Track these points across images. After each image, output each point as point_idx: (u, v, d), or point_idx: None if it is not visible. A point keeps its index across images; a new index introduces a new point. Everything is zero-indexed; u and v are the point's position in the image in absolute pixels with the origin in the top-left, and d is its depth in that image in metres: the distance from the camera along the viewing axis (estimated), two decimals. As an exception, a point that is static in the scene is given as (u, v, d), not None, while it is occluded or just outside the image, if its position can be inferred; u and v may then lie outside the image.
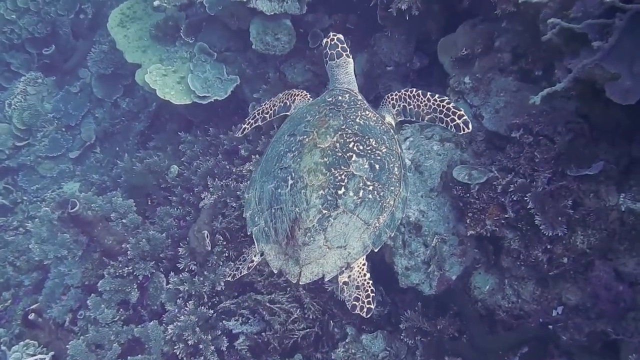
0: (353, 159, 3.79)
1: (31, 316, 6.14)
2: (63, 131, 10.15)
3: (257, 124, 4.92)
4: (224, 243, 6.30)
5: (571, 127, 4.60)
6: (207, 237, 6.14)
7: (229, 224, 6.43)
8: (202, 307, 6.06)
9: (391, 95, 4.40)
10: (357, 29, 6.99)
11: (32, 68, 10.83)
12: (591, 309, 4.52)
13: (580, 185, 4.47)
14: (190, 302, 6.12)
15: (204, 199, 6.74)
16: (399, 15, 5.57)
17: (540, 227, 4.43)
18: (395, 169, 3.95)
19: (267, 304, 5.84)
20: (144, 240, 6.53)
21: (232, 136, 7.24)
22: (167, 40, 8.10)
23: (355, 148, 3.84)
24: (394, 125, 4.39)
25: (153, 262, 6.53)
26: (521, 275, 4.81)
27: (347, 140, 3.87)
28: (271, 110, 4.83)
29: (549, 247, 4.51)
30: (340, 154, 3.80)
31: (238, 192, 6.55)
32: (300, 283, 3.70)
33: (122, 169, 8.15)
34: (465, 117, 4.03)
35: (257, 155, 6.76)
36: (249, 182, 4.35)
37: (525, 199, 4.50)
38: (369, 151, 3.87)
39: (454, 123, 4.05)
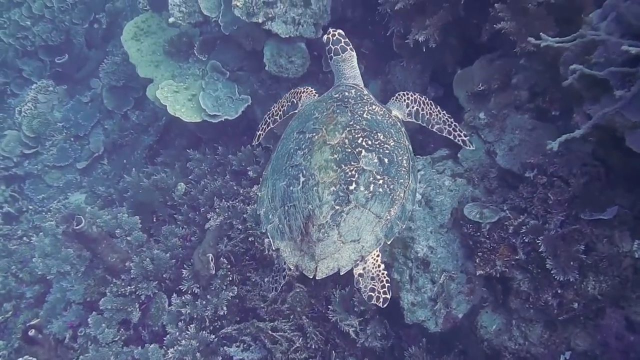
0: (362, 154, 3.87)
1: (31, 332, 6.06)
2: (71, 141, 10.16)
3: (269, 128, 5.02)
4: (228, 267, 6.23)
5: (587, 170, 4.51)
6: (212, 260, 6.07)
7: (234, 247, 6.36)
8: (204, 332, 5.98)
9: (407, 94, 4.58)
10: (371, 54, 6.96)
11: (44, 76, 10.88)
12: (600, 357, 4.42)
13: (593, 230, 4.38)
14: (191, 325, 6.04)
15: (209, 219, 6.68)
16: (415, 47, 5.52)
17: (552, 272, 4.34)
18: (404, 161, 4.04)
19: (269, 332, 5.75)
20: (147, 259, 6.46)
21: (240, 156, 7.19)
22: (180, 57, 8.08)
23: (364, 143, 3.92)
24: (400, 118, 4.51)
25: (156, 282, 6.45)
26: (529, 317, 4.71)
27: (356, 135, 3.94)
28: (280, 111, 4.92)
29: (559, 291, 4.41)
30: (349, 150, 3.88)
31: (244, 215, 6.48)
32: (317, 278, 3.75)
33: (129, 183, 8.10)
34: (469, 138, 4.57)
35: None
36: (260, 180, 4.41)
37: (537, 241, 4.41)
38: (378, 145, 3.95)
39: (461, 138, 4.55)
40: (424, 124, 4.52)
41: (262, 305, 6.00)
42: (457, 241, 5.01)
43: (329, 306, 5.79)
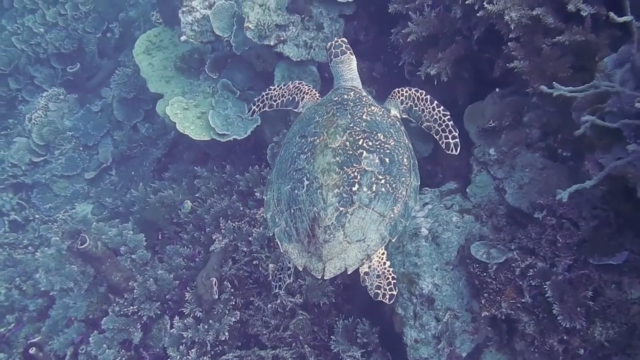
0: (364, 155, 3.92)
1: (32, 350, 6.06)
2: (80, 150, 10.16)
3: (264, 109, 5.01)
4: (232, 290, 6.19)
5: (597, 213, 4.45)
6: (215, 284, 6.04)
7: (239, 270, 6.33)
8: (205, 357, 5.94)
9: (401, 90, 4.57)
10: (383, 79, 6.92)
11: (55, 83, 10.92)
12: (605, 405, 4.35)
13: (602, 275, 4.32)
14: (192, 350, 6.00)
15: (215, 240, 6.64)
16: (427, 79, 5.48)
17: (558, 318, 4.28)
18: (405, 159, 4.09)
19: (271, 360, 5.72)
20: (151, 279, 6.44)
21: (248, 177, 7.15)
22: (191, 73, 8.07)
23: (364, 144, 3.97)
24: (399, 117, 4.54)
25: (159, 302, 6.43)
26: (534, 360, 4.66)
27: (357, 137, 3.99)
28: (279, 100, 4.91)
29: (565, 337, 4.35)
30: (351, 152, 3.93)
31: (250, 238, 6.44)
32: (325, 278, 3.83)
33: (136, 198, 8.08)
34: (457, 140, 4.31)
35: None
36: (265, 184, 4.56)
37: (544, 286, 4.36)
38: (378, 146, 3.99)
39: (446, 140, 4.34)
40: (415, 121, 4.52)
41: (264, 331, 5.96)
42: (463, 279, 4.95)
43: (332, 336, 5.75)
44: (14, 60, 10.99)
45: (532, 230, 4.70)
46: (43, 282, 6.77)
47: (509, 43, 4.70)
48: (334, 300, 5.98)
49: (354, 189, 3.81)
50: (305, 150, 4.06)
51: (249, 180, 7.12)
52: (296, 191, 3.95)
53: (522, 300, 4.53)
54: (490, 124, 5.23)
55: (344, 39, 4.80)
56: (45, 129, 10.09)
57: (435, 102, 4.44)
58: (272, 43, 6.59)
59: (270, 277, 4.47)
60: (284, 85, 4.96)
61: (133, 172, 9.60)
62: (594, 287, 4.32)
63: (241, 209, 6.93)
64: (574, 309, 4.27)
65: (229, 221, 6.76)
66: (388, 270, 4.03)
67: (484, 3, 4.69)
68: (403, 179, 4.02)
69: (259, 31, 6.56)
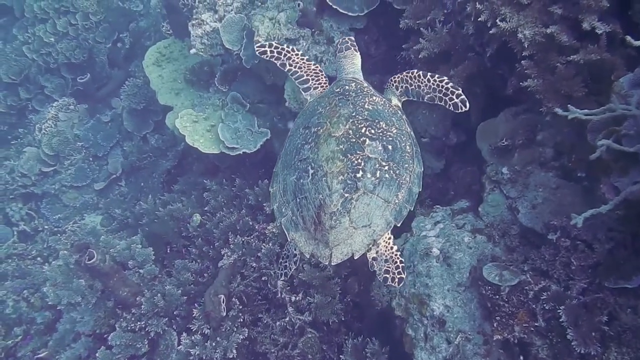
0: (367, 143, 4.05)
1: (39, 365, 6.03)
2: (90, 161, 10.15)
3: (274, 60, 5.26)
4: (240, 307, 6.12)
5: (612, 235, 4.35)
6: (223, 301, 5.98)
7: (247, 286, 6.26)
8: (213, 375, 5.89)
9: (394, 77, 4.77)
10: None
11: (66, 93, 10.91)
12: None
13: (617, 299, 4.22)
14: (200, 367, 5.95)
15: (223, 256, 6.57)
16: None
17: (572, 343, 4.18)
18: (407, 147, 4.24)
19: (279, 380, 5.66)
20: (159, 294, 6.38)
21: (257, 191, 7.09)
22: (201, 86, 8.03)
23: (367, 132, 4.10)
24: (400, 106, 4.72)
25: (166, 318, 6.37)
26: (548, 384, 4.55)
27: (359, 126, 4.13)
28: (295, 68, 5.11)
29: (579, 362, 4.26)
30: (354, 140, 4.05)
31: (259, 253, 6.37)
32: (332, 263, 3.95)
33: (145, 210, 8.04)
34: (463, 96, 4.49)
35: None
36: (271, 176, 4.63)
37: (558, 310, 4.26)
38: (381, 134, 4.13)
39: (452, 102, 4.52)
40: (416, 98, 4.68)
41: (272, 349, 5.90)
42: (475, 301, 4.85)
43: (341, 355, 5.69)
44: (25, 70, 10.99)
45: (546, 251, 4.61)
46: (51, 296, 6.72)
47: (522, 61, 4.62)
48: (343, 319, 5.92)
49: (358, 175, 3.92)
50: (309, 140, 4.19)
51: (259, 194, 7.06)
52: (301, 180, 4.07)
53: (536, 324, 4.43)
54: (503, 143, 5.14)
55: (351, 37, 5.08)
56: (55, 139, 10.08)
57: (429, 73, 4.59)
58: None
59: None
60: (307, 60, 5.14)
61: (142, 184, 9.57)
62: (608, 311, 4.21)
63: (250, 223, 6.87)
64: (589, 333, 4.16)
65: (238, 236, 6.70)
66: (396, 254, 4.16)
67: (497, 20, 4.62)
68: (406, 165, 4.14)
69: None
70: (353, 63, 4.93)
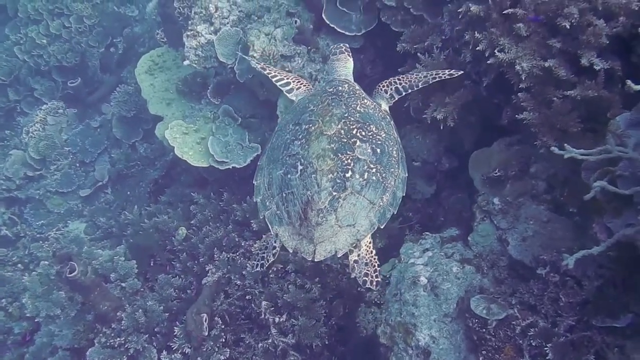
0: (357, 144, 4.11)
1: (14, 379, 5.88)
2: (77, 167, 9.99)
3: (259, 68, 5.46)
4: (222, 326, 6.02)
5: (602, 272, 4.30)
6: (205, 320, 5.87)
7: (230, 305, 6.16)
8: (191, 396, 5.78)
9: (382, 83, 4.91)
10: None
11: (55, 97, 10.79)
12: None
13: (604, 338, 4.16)
14: (179, 387, 5.84)
15: (208, 272, 6.47)
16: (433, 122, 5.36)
17: (559, 382, 4.12)
18: (394, 152, 4.32)
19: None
20: (140, 310, 6.26)
21: (245, 207, 6.99)
22: (193, 97, 7.95)
23: (358, 134, 4.16)
24: (388, 111, 4.82)
25: (147, 335, 6.24)
26: (532, 420, 4.48)
27: (351, 127, 4.19)
28: (278, 76, 5.20)
29: (565, 401, 4.19)
30: (345, 140, 4.11)
31: (244, 272, 6.27)
32: (316, 260, 3.99)
33: (130, 221, 7.93)
34: (452, 70, 4.81)
35: (268, 236, 6.49)
36: (256, 169, 4.63)
37: (545, 348, 4.20)
38: (371, 136, 4.20)
39: (446, 73, 4.83)
40: (410, 90, 4.86)
41: (253, 370, 5.80)
42: (461, 333, 4.78)
43: (323, 380, 5.60)
44: (15, 71, 10.87)
45: (535, 286, 4.55)
46: (29, 308, 6.59)
47: (519, 94, 4.58)
48: (327, 342, 5.83)
49: (347, 175, 3.98)
50: (300, 137, 4.22)
51: (246, 210, 6.96)
52: (289, 175, 4.11)
53: (522, 360, 4.37)
54: (496, 173, 5.09)
55: (346, 45, 5.24)
56: (43, 143, 9.92)
57: (413, 72, 4.97)
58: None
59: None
60: (283, 71, 5.36)
61: (129, 192, 9.43)
62: (595, 350, 4.14)
63: (237, 240, 6.77)
64: (576, 373, 4.12)
65: (224, 253, 6.60)
66: (375, 259, 4.24)
67: (495, 51, 4.58)
68: (392, 169, 4.22)
69: (263, 61, 6.44)
70: (345, 66, 5.04)
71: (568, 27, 4.28)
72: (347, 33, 6.46)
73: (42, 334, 6.96)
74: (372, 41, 6.73)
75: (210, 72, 7.83)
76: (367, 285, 4.18)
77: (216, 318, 6.05)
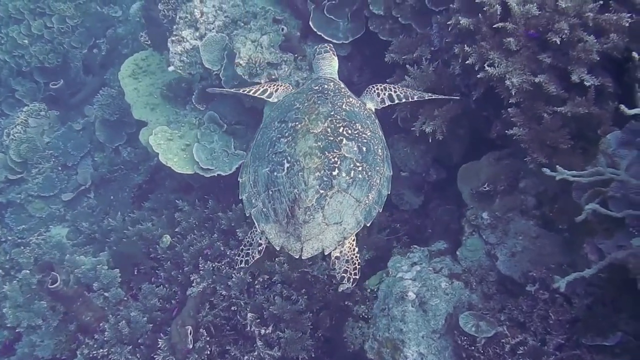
0: (343, 142, 4.16)
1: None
2: (59, 170, 9.80)
3: (238, 91, 5.58)
4: (207, 338, 5.93)
5: (591, 290, 4.28)
6: (190, 333, 5.78)
7: (216, 317, 6.07)
8: (175, 410, 5.69)
9: (375, 85, 4.98)
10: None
11: (37, 98, 10.59)
12: None
13: (594, 356, 4.14)
14: (163, 401, 5.75)
15: (193, 282, 6.37)
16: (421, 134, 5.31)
17: (547, 401, 4.10)
18: (379, 150, 4.37)
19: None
20: (123, 321, 6.17)
21: (231, 216, 6.89)
22: (178, 102, 7.81)
23: (344, 132, 4.21)
24: (374, 110, 4.88)
25: (130, 346, 6.15)
26: None
27: (337, 125, 4.24)
28: (255, 94, 5.31)
29: (554, 420, 4.17)
30: (332, 138, 4.16)
31: (229, 282, 6.18)
32: (303, 257, 4.04)
33: (114, 227, 7.80)
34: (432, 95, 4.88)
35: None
36: (241, 167, 4.74)
37: (535, 367, 4.18)
38: (356, 135, 4.24)
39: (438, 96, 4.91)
40: (403, 100, 4.94)
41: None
42: (450, 349, 4.74)
43: (309, 395, 5.54)
44: (-4, 71, 10.67)
45: (524, 302, 4.52)
46: (10, 318, 6.46)
47: (509, 109, 4.54)
48: (313, 355, 5.76)
49: (334, 173, 4.04)
50: (286, 134, 4.25)
51: (232, 219, 6.86)
52: (275, 173, 4.15)
53: (511, 379, 4.34)
54: (485, 188, 5.05)
55: (331, 45, 5.35)
56: (24, 146, 9.71)
57: (408, 89, 5.00)
58: (262, 81, 6.38)
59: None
60: (257, 85, 5.40)
61: (112, 197, 9.28)
62: (585, 368, 4.15)
63: (222, 248, 6.69)
64: (565, 392, 4.09)
65: (209, 262, 6.51)
66: (356, 256, 4.25)
67: (485, 65, 4.54)
68: (378, 168, 4.27)
69: (249, 68, 6.35)
70: (331, 65, 5.11)
71: (558, 42, 4.25)
72: (334, 41, 6.36)
73: (23, 344, 6.81)
74: (360, 49, 6.66)
75: (196, 78, 7.71)
76: (344, 282, 4.21)
77: (201, 330, 5.97)
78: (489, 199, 5.09)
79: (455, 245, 5.35)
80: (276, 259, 6.12)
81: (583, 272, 3.52)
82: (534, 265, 4.64)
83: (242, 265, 4.49)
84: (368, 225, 4.21)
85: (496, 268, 4.92)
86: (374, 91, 4.95)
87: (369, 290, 5.45)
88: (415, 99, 4.96)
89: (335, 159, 4.07)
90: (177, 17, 7.18)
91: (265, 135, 4.47)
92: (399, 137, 6.15)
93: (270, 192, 4.15)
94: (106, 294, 6.60)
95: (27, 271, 6.88)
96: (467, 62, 4.71)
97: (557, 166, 3.64)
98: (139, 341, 6.22)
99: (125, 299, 6.76)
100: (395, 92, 4.93)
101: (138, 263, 7.23)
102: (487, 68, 4.51)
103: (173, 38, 7.13)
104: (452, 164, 5.79)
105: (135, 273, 7.22)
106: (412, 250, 5.46)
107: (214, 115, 7.32)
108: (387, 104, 4.97)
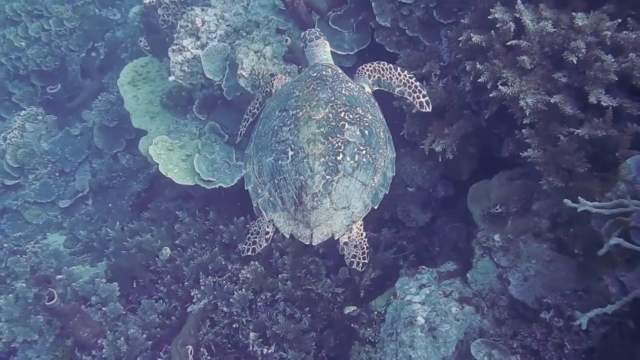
0: (346, 127, 4.12)
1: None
2: (56, 176, 9.64)
3: (249, 123, 5.28)
4: (209, 358, 5.79)
5: (608, 319, 4.12)
6: (191, 353, 5.63)
7: (217, 335, 5.93)
8: None
9: (365, 66, 4.86)
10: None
11: (34, 102, 10.44)
12: None
13: (610, 387, 4.02)
14: (162, 423, 5.61)
15: (193, 297, 6.22)
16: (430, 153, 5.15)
17: None
18: (381, 133, 4.33)
19: None
20: (122, 338, 6.01)
21: (232, 229, 6.74)
22: (178, 111, 7.66)
23: (346, 117, 4.17)
24: (371, 93, 4.79)
25: (129, 365, 6.01)
26: None
27: (338, 110, 4.19)
28: (257, 103, 5.15)
29: None
30: (334, 124, 4.12)
31: (231, 299, 6.03)
32: (314, 243, 4.02)
33: (112, 238, 7.64)
34: (427, 98, 4.67)
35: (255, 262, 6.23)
36: (244, 157, 4.60)
37: (549, 399, 4.04)
38: (358, 119, 4.21)
39: (419, 100, 4.68)
40: (387, 89, 4.79)
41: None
42: (460, 378, 4.60)
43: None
44: (-8, 74, 10.49)
45: (538, 330, 4.37)
46: (5, 333, 6.30)
47: (523, 130, 4.38)
48: (317, 377, 5.63)
49: (339, 158, 3.99)
50: (288, 122, 4.20)
51: (233, 232, 6.72)
52: (280, 162, 4.09)
53: (524, 410, 4.21)
54: (497, 210, 4.89)
55: (317, 29, 5.21)
56: (21, 151, 9.54)
57: (399, 68, 4.77)
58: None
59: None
60: (255, 96, 5.26)
61: (110, 204, 9.11)
62: (601, 400, 4.02)
63: (223, 263, 6.53)
64: None
65: (209, 277, 6.35)
66: (364, 241, 4.24)
67: (498, 84, 4.38)
68: (381, 150, 4.23)
69: (252, 80, 6.19)
70: (325, 51, 5.00)
71: (575, 61, 4.09)
72: (339, 52, 6.22)
73: (18, 359, 6.65)
74: (365, 60, 6.44)
75: (197, 87, 7.55)
76: (353, 267, 4.19)
77: (202, 349, 5.83)
78: (501, 220, 4.93)
79: (464, 266, 5.21)
80: (279, 276, 5.98)
81: (605, 309, 3.39)
82: (547, 290, 4.49)
83: (249, 254, 4.42)
84: (376, 207, 4.16)
85: (508, 292, 4.77)
86: (365, 72, 4.86)
87: (375, 312, 5.31)
88: (396, 92, 4.78)
89: (339, 143, 4.03)
90: (178, 25, 7.02)
91: (267, 124, 4.41)
92: (405, 151, 6.00)
93: (276, 181, 4.11)
94: (104, 309, 6.45)
95: (23, 284, 6.72)
96: (478, 80, 4.54)
97: (580, 198, 3.48)
98: (138, 359, 6.05)
99: (124, 312, 6.60)
100: (383, 76, 4.81)
101: (137, 276, 7.08)
102: (500, 87, 4.35)
103: (174, 47, 6.96)
104: (461, 182, 5.64)
105: (134, 286, 7.08)
106: (420, 272, 5.31)
107: (215, 125, 7.16)
108: (377, 88, 4.88)
